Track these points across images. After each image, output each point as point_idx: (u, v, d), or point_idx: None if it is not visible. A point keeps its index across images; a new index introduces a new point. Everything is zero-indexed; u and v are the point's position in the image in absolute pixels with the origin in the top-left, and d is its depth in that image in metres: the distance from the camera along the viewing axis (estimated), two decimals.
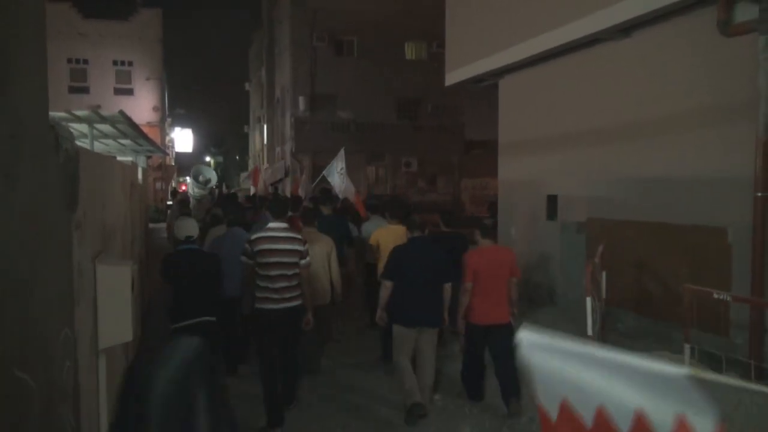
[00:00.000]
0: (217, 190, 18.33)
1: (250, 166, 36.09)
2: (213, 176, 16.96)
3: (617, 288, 6.74)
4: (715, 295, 4.61)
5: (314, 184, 13.55)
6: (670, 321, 6.33)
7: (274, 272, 4.64)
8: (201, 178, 16.12)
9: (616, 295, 6.78)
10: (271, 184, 17.72)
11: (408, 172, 26.53)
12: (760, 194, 5.49)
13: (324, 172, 11.02)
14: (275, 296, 4.66)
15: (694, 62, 6.55)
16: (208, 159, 60.22)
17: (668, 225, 6.73)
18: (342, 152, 10.41)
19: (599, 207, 7.75)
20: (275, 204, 5.33)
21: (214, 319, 4.82)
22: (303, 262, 4.80)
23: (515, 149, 10.08)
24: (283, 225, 4.93)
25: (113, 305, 3.18)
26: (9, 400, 1.63)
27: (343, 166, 10.11)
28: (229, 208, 7.08)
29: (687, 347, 4.81)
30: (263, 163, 33.76)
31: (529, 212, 9.53)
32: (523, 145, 9.80)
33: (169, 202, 18.89)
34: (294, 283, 4.75)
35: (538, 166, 9.30)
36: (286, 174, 21.27)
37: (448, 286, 4.90)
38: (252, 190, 12.11)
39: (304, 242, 4.87)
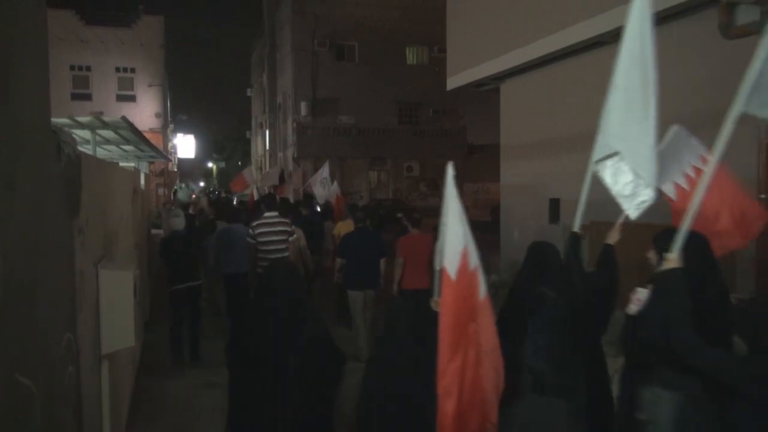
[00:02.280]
0: (213, 195, 20.47)
1: (252, 169, 36.25)
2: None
3: (621, 290, 6.71)
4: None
5: (302, 188, 15.75)
6: None
7: (270, 247, 6.28)
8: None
9: (620, 297, 6.74)
10: (268, 187, 19.26)
11: (410, 177, 26.55)
12: (763, 196, 5.48)
13: (310, 180, 12.81)
14: None
15: (695, 65, 6.55)
16: (210, 165, 60.36)
17: (671, 226, 6.71)
18: (327, 164, 12.40)
19: (602, 210, 7.70)
20: (268, 200, 7.20)
21: (198, 283, 6.57)
22: (291, 238, 6.50)
23: (517, 153, 10.08)
24: (275, 214, 6.56)
25: (115, 310, 3.18)
26: (11, 405, 1.62)
27: (326, 176, 11.66)
28: (222, 210, 9.09)
29: None
30: (266, 168, 33.83)
31: (531, 216, 9.51)
32: (524, 149, 9.80)
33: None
34: (285, 255, 6.32)
35: (540, 170, 9.29)
36: (281, 180, 22.62)
37: (382, 261, 6.57)
38: (255, 194, 13.44)
39: (290, 225, 6.62)
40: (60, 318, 2.28)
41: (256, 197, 12.28)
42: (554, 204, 9.00)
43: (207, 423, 4.84)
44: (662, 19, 6.71)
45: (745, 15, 5.66)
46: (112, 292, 3.17)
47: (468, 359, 2.40)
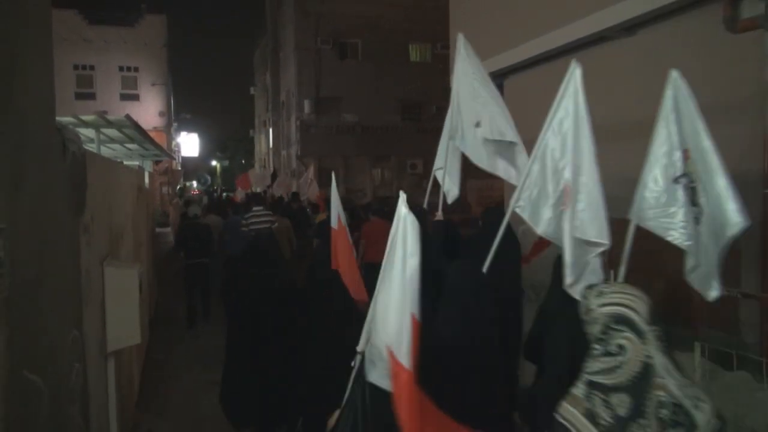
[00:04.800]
0: (215, 193, 22.87)
1: (256, 169, 36.50)
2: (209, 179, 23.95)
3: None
4: (726, 292, 4.57)
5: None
6: (678, 319, 6.29)
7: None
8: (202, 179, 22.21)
9: None
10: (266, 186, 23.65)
11: (413, 174, 26.51)
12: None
13: (300, 182, 16.09)
14: None
15: (699, 59, 6.52)
16: (214, 163, 60.46)
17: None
18: (311, 168, 15.47)
19: (606, 206, 7.71)
20: (256, 198, 9.88)
21: (206, 260, 8.19)
22: (273, 226, 8.36)
23: None
24: (261, 208, 8.69)
25: (121, 308, 3.20)
26: (19, 401, 1.63)
27: (311, 177, 14.49)
28: (218, 207, 11.51)
29: (697, 345, 4.77)
30: (269, 167, 33.91)
31: None
32: (528, 145, 9.76)
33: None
34: None
35: None
36: (273, 179, 24.48)
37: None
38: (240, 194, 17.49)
39: (273, 215, 8.78)
40: (66, 315, 2.30)
41: (239, 197, 15.67)
42: None
43: (213, 419, 4.86)
44: (666, 13, 6.68)
45: (750, 9, 5.63)
46: (117, 289, 3.19)
47: None
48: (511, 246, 3.01)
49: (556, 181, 2.83)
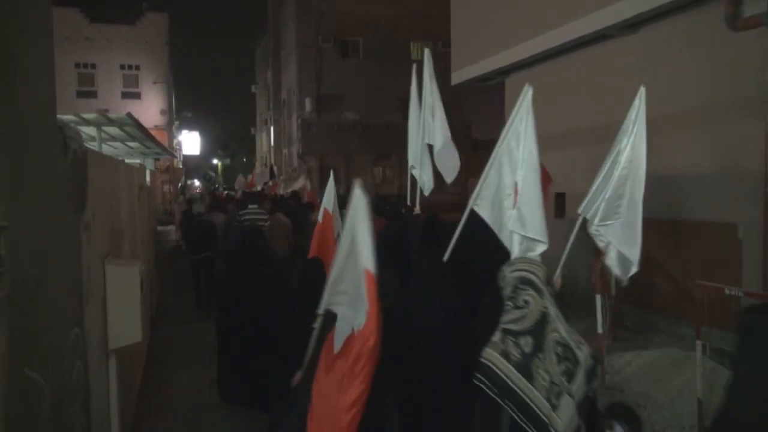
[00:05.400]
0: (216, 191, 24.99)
1: (257, 168, 36.55)
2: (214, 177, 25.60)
3: (627, 285, 6.69)
4: (727, 291, 4.56)
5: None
6: (680, 318, 6.28)
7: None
8: (207, 176, 23.45)
9: (626, 292, 6.73)
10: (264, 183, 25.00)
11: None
12: None
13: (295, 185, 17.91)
14: None
15: (701, 57, 6.50)
16: (215, 161, 60.46)
17: (678, 222, 6.68)
18: (305, 170, 16.86)
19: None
20: (252, 197, 10.42)
21: (210, 254, 8.66)
22: (266, 223, 8.68)
23: None
24: (255, 206, 9.22)
25: (122, 306, 3.20)
26: (21, 399, 1.64)
27: (304, 175, 16.23)
28: (219, 205, 11.80)
29: (698, 344, 4.77)
30: (271, 164, 33.93)
31: None
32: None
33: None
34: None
35: (545, 164, 9.25)
36: (271, 177, 25.48)
37: None
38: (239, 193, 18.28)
39: (267, 213, 9.17)
40: (67, 313, 2.30)
41: (239, 195, 16.80)
42: (560, 199, 8.97)
43: (214, 417, 4.87)
44: (668, 11, 6.66)
45: (752, 6, 5.61)
46: (118, 287, 3.19)
47: None
48: (479, 236, 3.41)
49: (508, 185, 3.27)
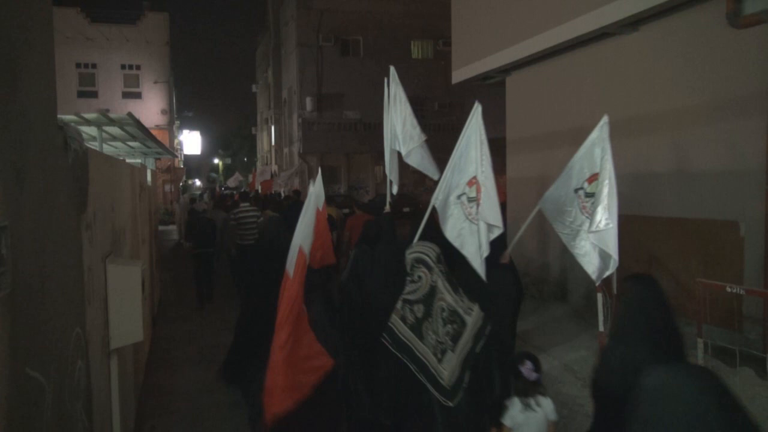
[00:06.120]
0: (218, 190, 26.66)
1: (258, 167, 36.60)
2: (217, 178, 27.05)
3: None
4: (729, 289, 4.55)
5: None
6: (682, 316, 6.27)
7: (245, 225, 9.20)
8: (210, 179, 24.49)
9: None
10: (260, 183, 25.48)
11: (416, 171, 26.42)
12: None
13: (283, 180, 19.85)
14: (248, 239, 9.20)
15: (703, 55, 6.49)
16: (216, 161, 60.48)
17: (679, 219, 6.67)
18: (297, 166, 17.96)
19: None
20: (244, 196, 10.82)
21: (211, 249, 9.41)
22: (258, 221, 9.11)
23: (523, 146, 10.03)
24: (248, 204, 9.73)
25: (124, 305, 3.20)
26: (22, 399, 1.64)
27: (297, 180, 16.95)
28: (219, 204, 12.88)
29: (700, 342, 4.76)
30: (272, 164, 33.93)
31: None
32: (530, 142, 9.75)
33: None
34: (254, 229, 9.09)
35: (546, 163, 9.25)
36: (271, 176, 26.08)
37: (333, 233, 8.31)
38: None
39: (259, 211, 9.64)
40: (69, 313, 2.30)
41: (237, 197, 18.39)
42: None
43: (215, 417, 4.87)
44: (669, 9, 6.65)
45: (753, 4, 5.59)
46: (120, 287, 3.19)
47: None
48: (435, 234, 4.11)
49: (463, 185, 3.92)
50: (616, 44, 7.74)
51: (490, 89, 11.62)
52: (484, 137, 3.91)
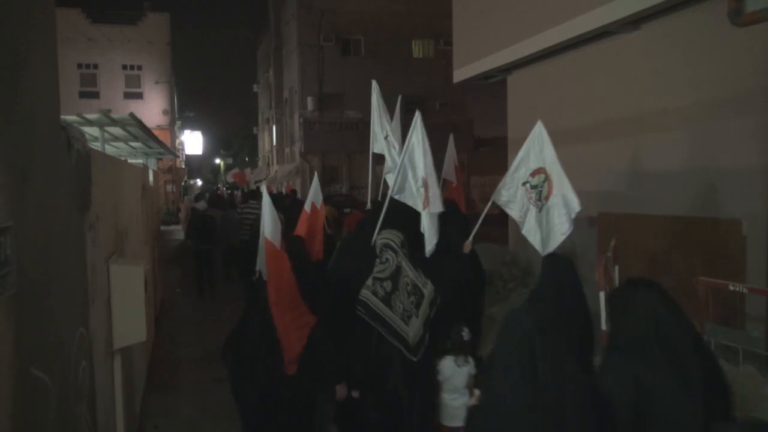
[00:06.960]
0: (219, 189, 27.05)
1: (259, 166, 36.61)
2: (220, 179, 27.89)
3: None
4: (731, 287, 4.55)
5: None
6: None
7: (249, 220, 9.31)
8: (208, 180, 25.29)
9: None
10: (255, 182, 26.76)
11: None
12: None
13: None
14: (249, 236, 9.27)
15: (704, 53, 6.48)
16: (217, 161, 60.50)
17: (681, 218, 6.66)
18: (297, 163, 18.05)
19: (610, 201, 7.69)
20: (252, 194, 11.29)
21: (209, 247, 9.93)
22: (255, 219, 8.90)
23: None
24: (255, 202, 9.75)
25: (127, 305, 3.21)
26: (27, 399, 1.64)
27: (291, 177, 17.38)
28: (217, 203, 13.16)
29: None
30: (273, 164, 33.94)
31: None
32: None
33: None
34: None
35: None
36: (267, 176, 26.40)
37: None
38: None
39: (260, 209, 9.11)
40: (73, 313, 2.31)
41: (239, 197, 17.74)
42: None
43: (219, 416, 4.88)
44: (670, 7, 6.64)
45: (755, 2, 5.58)
46: (123, 287, 3.20)
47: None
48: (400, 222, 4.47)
49: (416, 178, 4.44)
50: (617, 43, 7.73)
51: (491, 88, 11.61)
52: (426, 143, 4.53)
